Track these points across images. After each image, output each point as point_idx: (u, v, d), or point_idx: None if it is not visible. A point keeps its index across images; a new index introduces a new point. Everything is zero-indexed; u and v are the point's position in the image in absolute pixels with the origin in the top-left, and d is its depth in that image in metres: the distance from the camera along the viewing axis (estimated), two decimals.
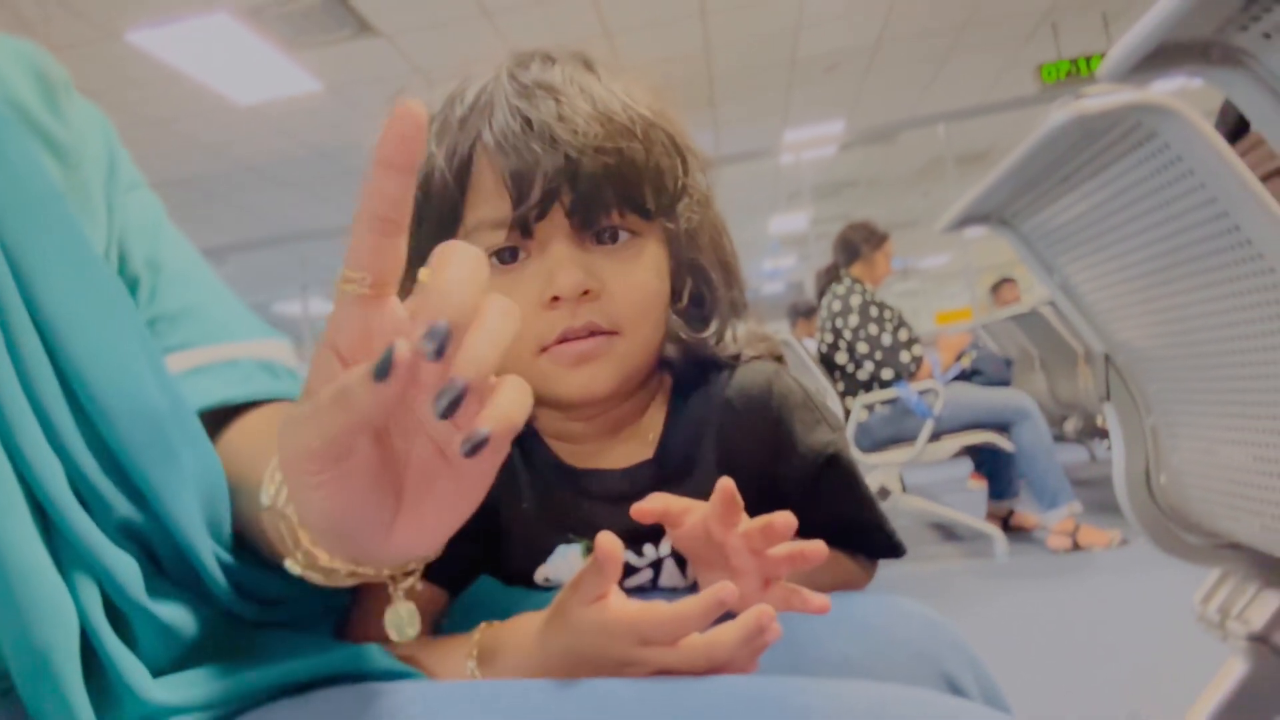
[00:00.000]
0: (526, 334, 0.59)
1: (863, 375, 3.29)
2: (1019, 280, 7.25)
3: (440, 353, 0.31)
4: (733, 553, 0.51)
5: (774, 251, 12.96)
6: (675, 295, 0.65)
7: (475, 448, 0.32)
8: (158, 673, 0.39)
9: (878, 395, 3.24)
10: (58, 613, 0.36)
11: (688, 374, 0.66)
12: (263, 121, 5.81)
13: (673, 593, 0.65)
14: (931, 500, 3.56)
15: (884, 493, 3.30)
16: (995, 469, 3.40)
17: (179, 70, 4.90)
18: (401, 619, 0.44)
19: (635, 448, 0.66)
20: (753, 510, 0.61)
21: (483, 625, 0.53)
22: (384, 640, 0.47)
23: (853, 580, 0.68)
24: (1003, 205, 1.13)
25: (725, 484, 0.50)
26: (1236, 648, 1.08)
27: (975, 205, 1.12)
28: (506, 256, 0.60)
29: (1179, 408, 1.08)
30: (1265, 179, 0.90)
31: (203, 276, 0.58)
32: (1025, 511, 3.42)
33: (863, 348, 3.26)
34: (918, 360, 3.22)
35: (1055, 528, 3.03)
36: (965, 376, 3.56)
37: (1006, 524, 3.44)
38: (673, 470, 0.64)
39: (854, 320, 3.28)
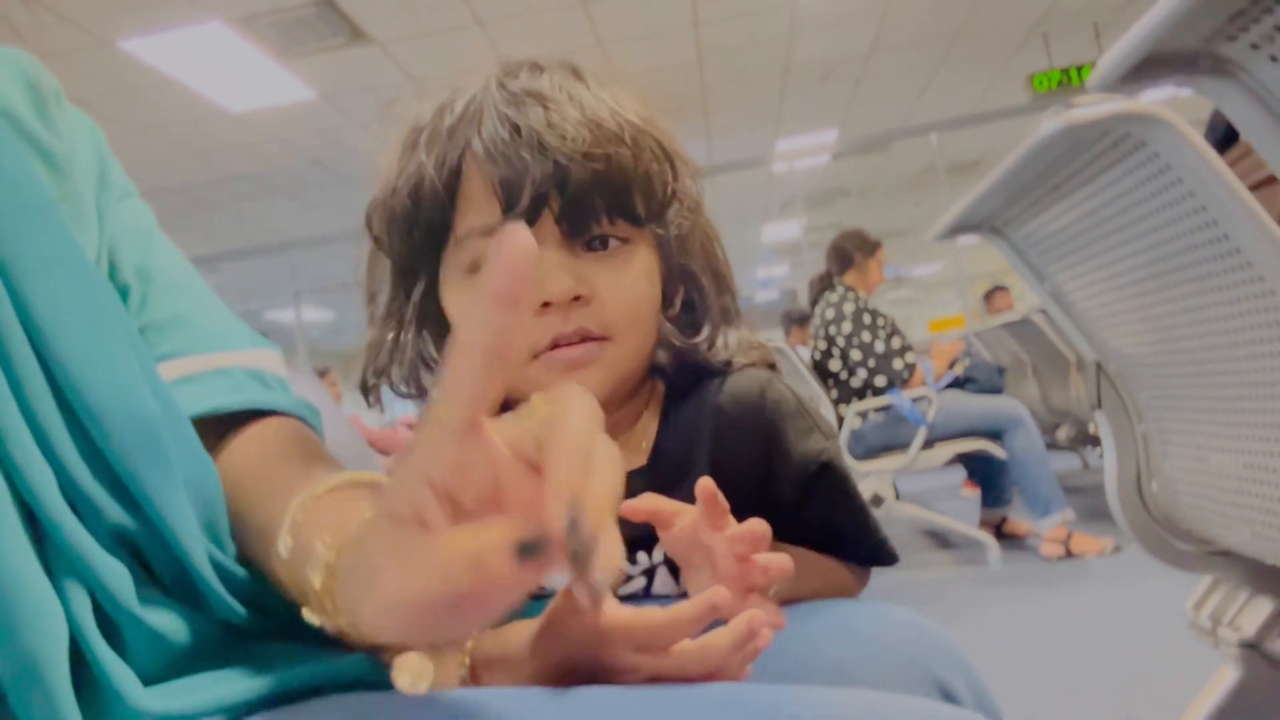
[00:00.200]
0: (519, 340, 0.59)
1: (856, 383, 3.30)
2: (1011, 288, 7.28)
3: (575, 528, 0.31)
4: (719, 558, 0.51)
5: (767, 260, 12.98)
6: (667, 301, 0.65)
7: (598, 596, 0.32)
8: (149, 681, 0.39)
9: (871, 403, 3.25)
10: (47, 620, 0.36)
11: (681, 381, 0.67)
12: (255, 129, 5.80)
13: (666, 600, 0.65)
14: (925, 508, 3.57)
15: (877, 500, 3.30)
16: (988, 476, 3.41)
17: (172, 78, 4.89)
18: (414, 670, 0.44)
19: (629, 455, 0.66)
20: (745, 517, 0.61)
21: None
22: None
23: (846, 588, 0.68)
24: (994, 214, 1.13)
25: (705, 485, 0.50)
26: (1228, 654, 1.08)
27: (967, 214, 1.12)
28: None
29: (1170, 415, 1.08)
30: (1254, 188, 0.91)
31: (193, 285, 0.58)
32: (1018, 519, 3.43)
33: (856, 355, 3.27)
34: (911, 368, 3.23)
35: (1048, 535, 3.03)
36: (958, 384, 3.57)
37: (1000, 531, 3.44)
38: (666, 478, 0.64)
39: (847, 328, 3.29)
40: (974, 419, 3.19)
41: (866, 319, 3.28)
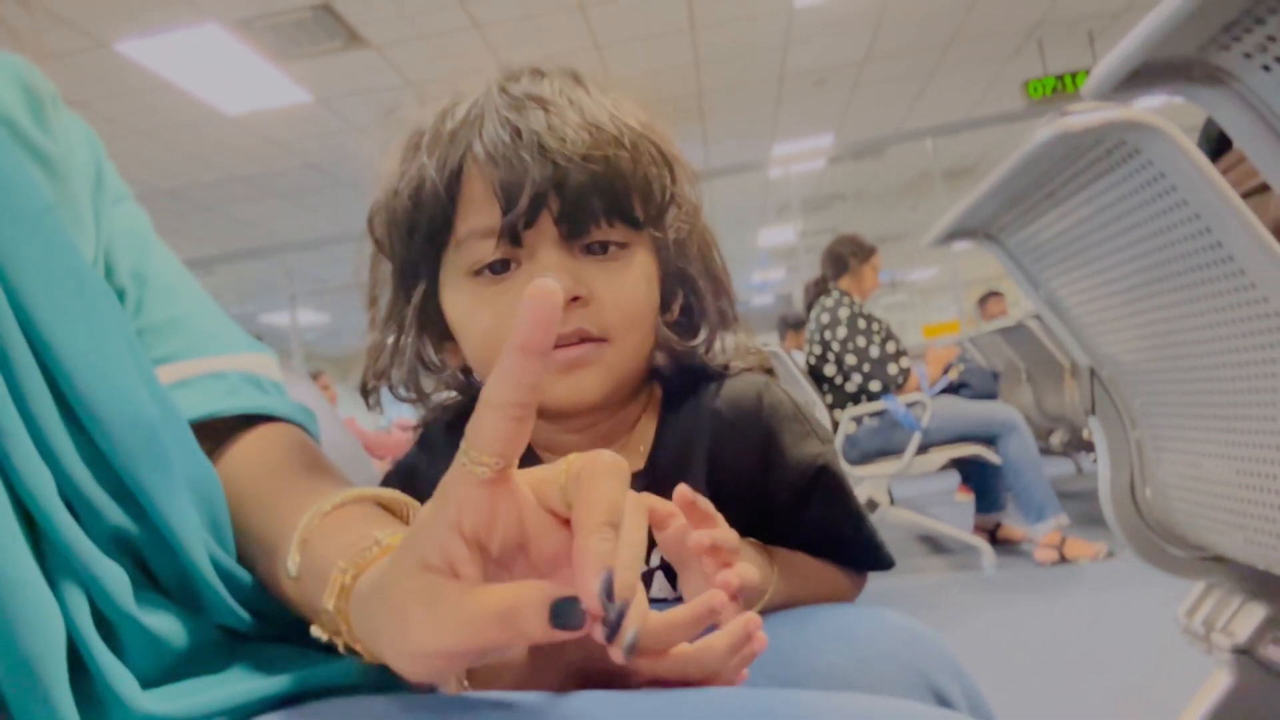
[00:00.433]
0: None
1: (851, 387, 3.31)
2: (1006, 294, 7.30)
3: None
4: (706, 563, 0.51)
5: (763, 264, 13.00)
6: (665, 306, 0.65)
7: (631, 651, 0.34)
8: (148, 684, 0.39)
9: (866, 408, 3.25)
10: (45, 622, 0.36)
11: (678, 385, 0.67)
12: (252, 132, 5.80)
13: (663, 604, 0.65)
14: (919, 513, 3.57)
15: (872, 505, 3.30)
16: (982, 482, 3.42)
17: (168, 80, 4.89)
18: None
19: (626, 459, 0.65)
20: (743, 521, 0.61)
21: None
22: None
23: (842, 592, 0.68)
24: (989, 220, 1.13)
25: (681, 490, 0.51)
26: (1221, 660, 1.08)
27: (962, 220, 1.13)
28: (498, 268, 0.60)
29: (1164, 421, 1.09)
30: (1247, 196, 0.92)
31: (188, 289, 0.58)
32: (1012, 524, 3.44)
33: (851, 360, 3.27)
34: (905, 373, 3.24)
35: (1042, 540, 3.04)
36: (952, 389, 3.57)
37: (994, 536, 3.45)
38: (663, 481, 0.64)
39: (842, 333, 3.29)
40: (968, 424, 3.19)
41: (861, 324, 3.29)
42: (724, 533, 0.52)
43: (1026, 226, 1.08)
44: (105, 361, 0.41)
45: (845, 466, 3.38)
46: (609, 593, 0.32)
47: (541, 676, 0.48)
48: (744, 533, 0.61)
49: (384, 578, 0.37)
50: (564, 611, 0.32)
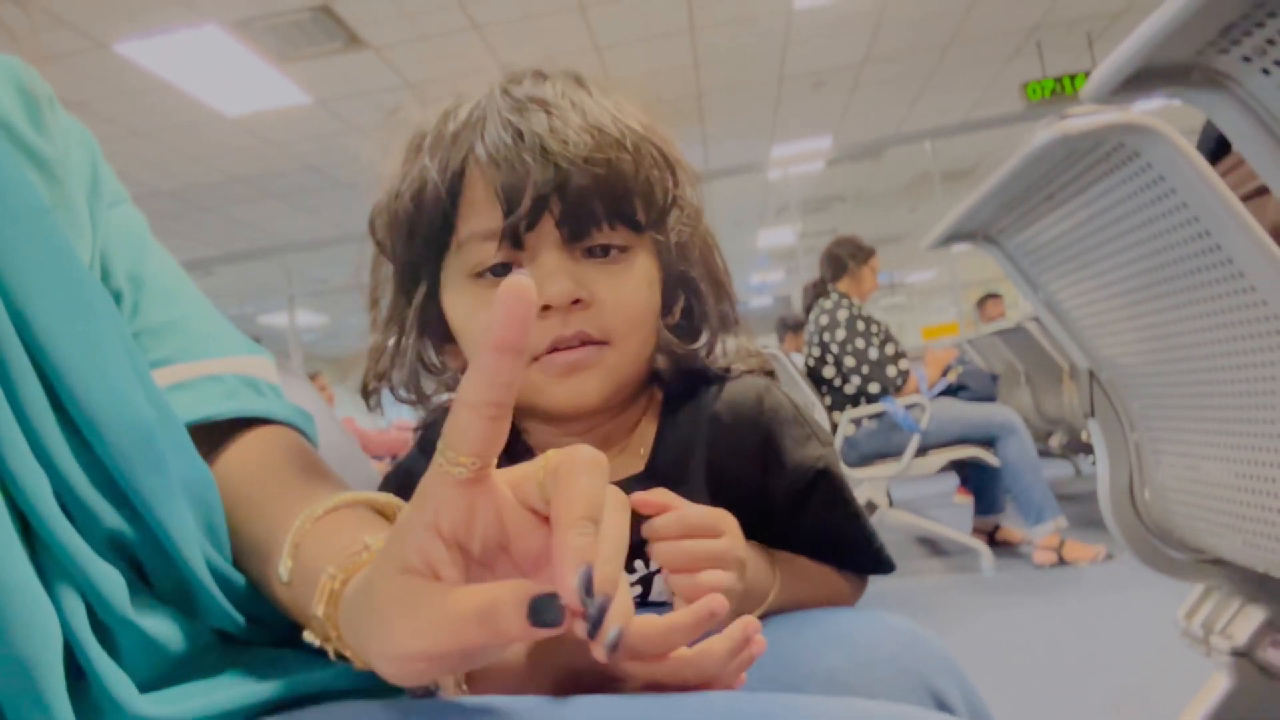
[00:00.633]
0: None
1: (850, 390, 3.31)
2: (1004, 296, 7.30)
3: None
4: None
5: (761, 266, 13.01)
6: (666, 308, 0.65)
7: (614, 649, 0.33)
8: (144, 688, 0.39)
9: (864, 410, 3.25)
10: (41, 626, 0.36)
11: (679, 388, 0.67)
12: (251, 133, 5.80)
13: (662, 607, 0.65)
14: (918, 515, 3.57)
15: (871, 507, 3.30)
16: (981, 484, 3.42)
17: (168, 82, 4.89)
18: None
19: (627, 461, 0.66)
20: (743, 524, 0.61)
21: None
22: None
23: (842, 595, 0.68)
24: (988, 222, 1.14)
25: (639, 498, 0.52)
26: (1220, 663, 1.08)
27: (961, 222, 1.13)
28: (499, 270, 0.60)
29: (1163, 424, 1.09)
30: (1246, 199, 0.91)
31: (186, 292, 0.58)
32: (1011, 526, 3.44)
33: (850, 362, 3.27)
34: (904, 375, 3.24)
35: (1041, 543, 3.04)
36: (951, 391, 3.57)
37: (992, 539, 3.45)
38: (663, 483, 0.64)
39: (841, 335, 3.29)
40: (967, 426, 3.19)
41: (860, 326, 3.29)
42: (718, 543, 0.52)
43: (1025, 229, 1.08)
44: (101, 364, 0.41)
45: (844, 469, 3.37)
46: (588, 588, 0.32)
47: (539, 680, 0.48)
48: (744, 535, 0.61)
49: (367, 581, 0.37)
50: (543, 609, 0.31)
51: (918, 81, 6.62)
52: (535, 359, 0.60)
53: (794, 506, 0.64)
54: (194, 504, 0.44)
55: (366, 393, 0.68)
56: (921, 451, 3.18)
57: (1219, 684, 1.08)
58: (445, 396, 0.70)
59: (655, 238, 0.63)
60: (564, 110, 0.60)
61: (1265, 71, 0.67)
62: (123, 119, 5.28)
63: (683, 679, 0.45)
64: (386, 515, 0.48)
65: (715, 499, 0.64)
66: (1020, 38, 6.01)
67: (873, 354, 3.25)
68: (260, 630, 0.47)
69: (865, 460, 3.30)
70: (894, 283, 15.16)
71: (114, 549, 0.41)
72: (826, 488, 0.64)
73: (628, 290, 0.61)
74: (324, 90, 5.33)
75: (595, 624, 0.32)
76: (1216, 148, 1.31)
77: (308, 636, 0.40)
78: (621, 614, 0.34)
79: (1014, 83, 6.41)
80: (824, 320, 3.35)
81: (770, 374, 0.69)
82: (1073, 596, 2.67)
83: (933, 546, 3.68)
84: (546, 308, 0.59)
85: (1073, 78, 6.18)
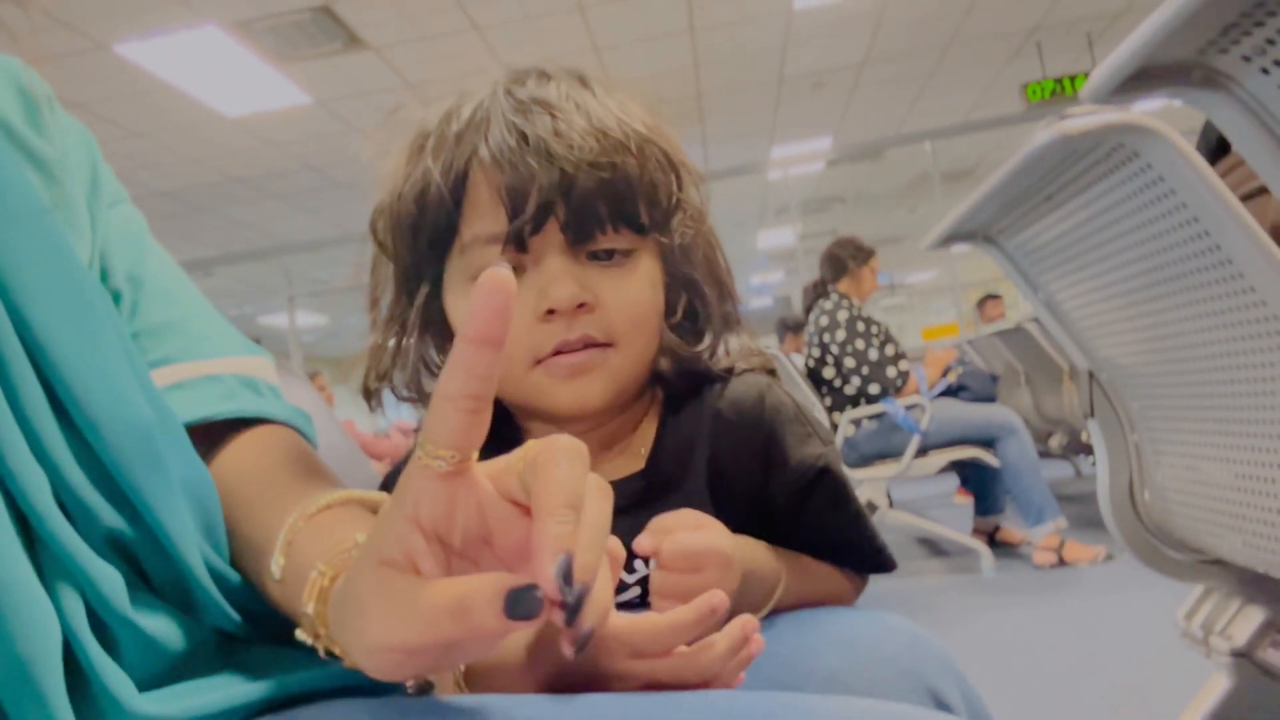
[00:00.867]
0: (521, 347, 0.60)
1: (850, 390, 3.31)
2: (1004, 296, 7.30)
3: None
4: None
5: (762, 266, 13.01)
6: (669, 310, 0.65)
7: (584, 645, 0.33)
8: (143, 687, 0.39)
9: (864, 410, 3.25)
10: (40, 624, 0.36)
11: (680, 387, 0.67)
12: (251, 134, 5.80)
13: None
14: (918, 515, 3.57)
15: (871, 508, 3.30)
16: (981, 484, 3.42)
17: (167, 82, 4.89)
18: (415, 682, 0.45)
19: (627, 461, 0.66)
20: (743, 523, 0.61)
21: None
22: None
23: (843, 594, 0.68)
24: (988, 223, 1.14)
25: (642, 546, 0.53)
26: (1220, 664, 1.08)
27: (961, 223, 1.13)
28: None
29: (1162, 424, 1.09)
30: (1245, 199, 0.92)
31: (185, 291, 0.58)
32: (1011, 527, 3.44)
33: (850, 363, 3.27)
34: (904, 375, 3.24)
35: (1040, 543, 3.04)
36: (951, 392, 3.57)
37: (992, 539, 3.45)
38: (662, 483, 0.64)
39: (841, 335, 3.29)
40: (967, 427, 3.19)
41: (860, 326, 3.29)
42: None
43: (1025, 229, 1.08)
44: (100, 364, 0.41)
45: (844, 469, 3.37)
46: (567, 576, 0.31)
47: (539, 680, 0.48)
48: (744, 534, 0.61)
49: (348, 579, 0.37)
50: (518, 600, 0.31)
51: (918, 82, 6.62)
52: (539, 362, 0.60)
53: (795, 505, 0.64)
54: (192, 504, 0.44)
55: (368, 393, 0.68)
56: (921, 452, 3.18)
57: (1219, 684, 1.08)
58: None
59: (659, 239, 0.63)
60: (568, 112, 0.59)
61: (1265, 71, 0.67)
62: (122, 120, 5.28)
63: (682, 677, 0.45)
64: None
65: (715, 498, 0.64)
66: (1020, 38, 6.01)
67: (873, 355, 3.25)
68: (259, 629, 0.47)
69: (865, 461, 3.30)
70: (894, 283, 15.16)
71: (113, 548, 0.41)
72: (828, 487, 0.65)
73: (632, 293, 0.61)
74: (324, 91, 5.33)
75: (573, 612, 0.31)
76: (1216, 148, 1.31)
77: (299, 634, 0.40)
78: (601, 605, 0.34)
79: (1014, 83, 6.41)
80: (824, 321, 3.35)
81: (771, 372, 0.69)
82: (1073, 597, 2.67)
83: (933, 547, 3.68)
84: (551, 311, 0.58)
85: (1073, 78, 6.18)
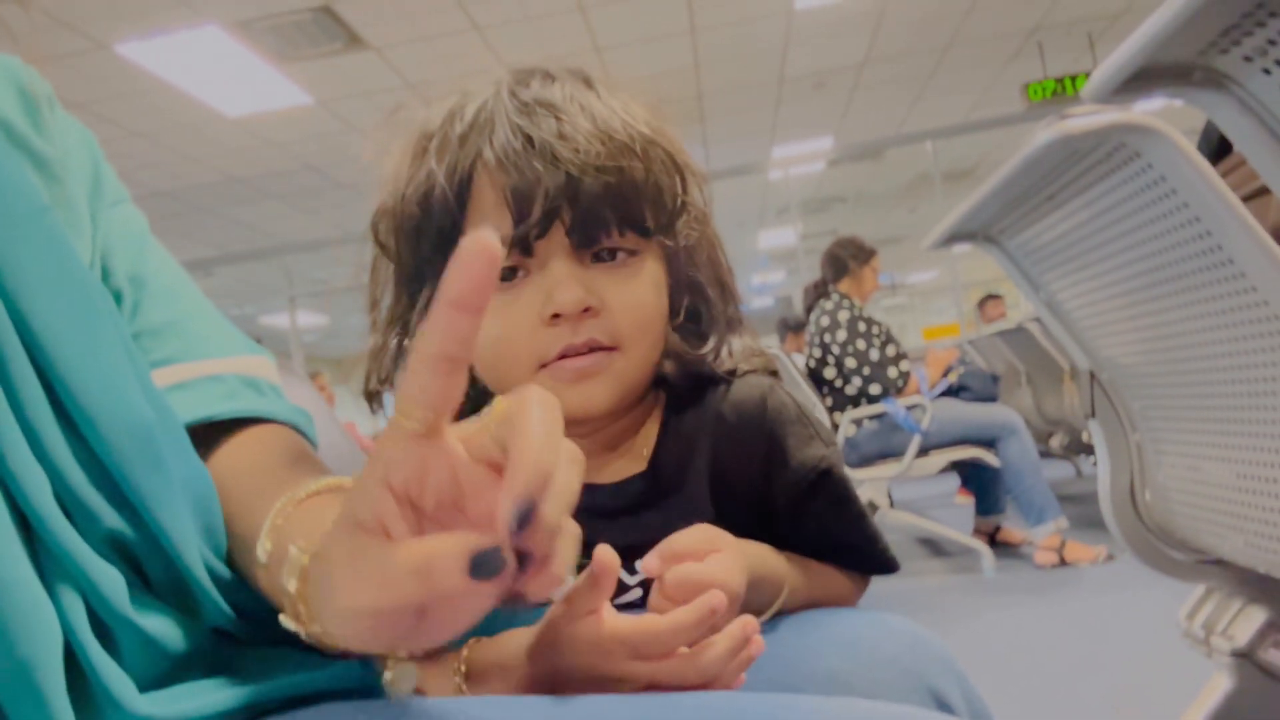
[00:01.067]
0: (526, 351, 0.60)
1: (851, 390, 3.31)
2: (1005, 296, 7.30)
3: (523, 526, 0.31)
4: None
5: (762, 266, 13.01)
6: (673, 312, 0.65)
7: (554, 586, 0.33)
8: (144, 687, 0.39)
9: (865, 410, 3.25)
10: (41, 625, 0.36)
11: (683, 389, 0.67)
12: (251, 134, 5.80)
13: None
14: (919, 515, 3.57)
15: (872, 508, 3.30)
16: (982, 484, 3.41)
17: (168, 82, 4.89)
18: (399, 676, 0.44)
19: (629, 463, 0.66)
20: (745, 524, 0.61)
21: (471, 641, 0.53)
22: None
23: (845, 595, 0.68)
24: (989, 223, 1.13)
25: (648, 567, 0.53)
26: (1221, 664, 1.08)
27: (962, 223, 1.13)
28: (506, 275, 0.60)
29: (1164, 424, 1.09)
30: (1247, 199, 0.91)
31: (186, 292, 0.58)
32: (1012, 527, 3.43)
33: (851, 363, 3.27)
34: (905, 376, 3.24)
35: (1042, 543, 3.04)
36: (952, 392, 3.57)
37: (993, 539, 3.45)
38: (663, 484, 0.64)
39: (842, 335, 3.29)
40: (968, 427, 3.19)
41: (861, 326, 3.29)
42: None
43: (1026, 229, 1.08)
44: (101, 365, 0.41)
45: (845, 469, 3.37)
46: (523, 521, 0.31)
47: (539, 680, 0.48)
48: (746, 536, 0.61)
49: (324, 543, 0.36)
50: (483, 561, 0.30)
51: (918, 82, 6.62)
52: (544, 365, 0.60)
53: (797, 507, 0.64)
54: (193, 504, 0.44)
55: (370, 395, 0.67)
56: (922, 452, 3.18)
57: (1220, 685, 1.08)
58: None
59: (663, 242, 0.63)
60: (573, 114, 0.59)
61: (1266, 71, 0.67)
62: (123, 120, 5.28)
63: (683, 678, 0.45)
64: None
65: (717, 499, 0.64)
66: (1021, 38, 6.01)
67: (874, 355, 3.25)
68: (259, 630, 0.47)
69: (866, 461, 3.30)
70: (895, 283, 15.16)
71: (113, 549, 0.41)
72: (830, 488, 0.64)
73: (636, 295, 0.61)
74: (325, 91, 5.34)
75: (527, 561, 0.31)
76: (1217, 148, 1.31)
77: (283, 619, 0.40)
78: (565, 558, 0.33)
79: (1015, 83, 6.41)
80: (825, 321, 3.35)
81: (774, 374, 0.69)
82: (1074, 597, 2.67)
83: (934, 547, 3.68)
84: (556, 316, 0.58)
85: (1074, 78, 6.18)
